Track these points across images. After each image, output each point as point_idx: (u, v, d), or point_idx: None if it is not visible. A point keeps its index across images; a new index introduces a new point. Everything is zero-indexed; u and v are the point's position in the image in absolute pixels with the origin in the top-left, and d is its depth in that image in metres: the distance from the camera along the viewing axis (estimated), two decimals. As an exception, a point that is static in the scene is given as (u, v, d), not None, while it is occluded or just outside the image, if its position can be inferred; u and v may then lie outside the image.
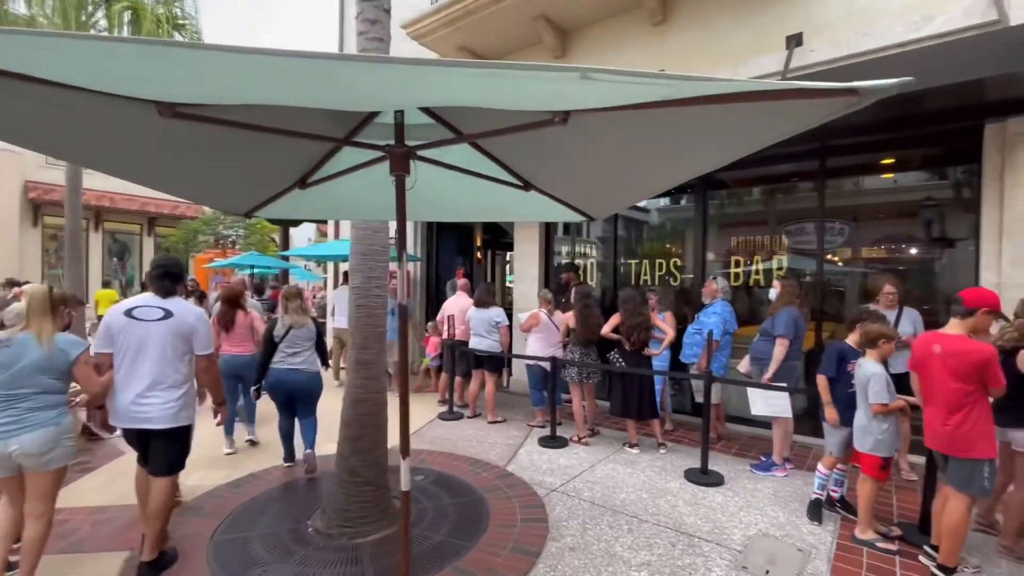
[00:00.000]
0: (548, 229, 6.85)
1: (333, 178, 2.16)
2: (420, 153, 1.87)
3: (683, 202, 6.09)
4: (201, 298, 4.27)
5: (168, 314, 2.68)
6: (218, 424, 3.30)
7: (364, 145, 1.82)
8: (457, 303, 6.13)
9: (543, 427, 5.29)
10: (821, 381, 3.39)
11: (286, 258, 11.84)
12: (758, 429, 5.12)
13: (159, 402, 2.62)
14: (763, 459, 4.32)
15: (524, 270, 6.89)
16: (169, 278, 2.74)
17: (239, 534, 3.11)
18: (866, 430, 2.98)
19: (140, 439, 2.72)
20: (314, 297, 12.28)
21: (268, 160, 2.06)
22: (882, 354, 2.99)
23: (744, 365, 4.47)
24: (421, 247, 8.37)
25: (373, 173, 2.13)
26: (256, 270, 10.95)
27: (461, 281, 6.53)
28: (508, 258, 10.89)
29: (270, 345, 4.03)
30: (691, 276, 5.73)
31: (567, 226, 6.96)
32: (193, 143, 1.77)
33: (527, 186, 2.30)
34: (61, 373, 2.40)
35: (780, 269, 5.15)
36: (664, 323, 4.81)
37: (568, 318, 4.86)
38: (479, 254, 9.36)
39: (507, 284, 10.49)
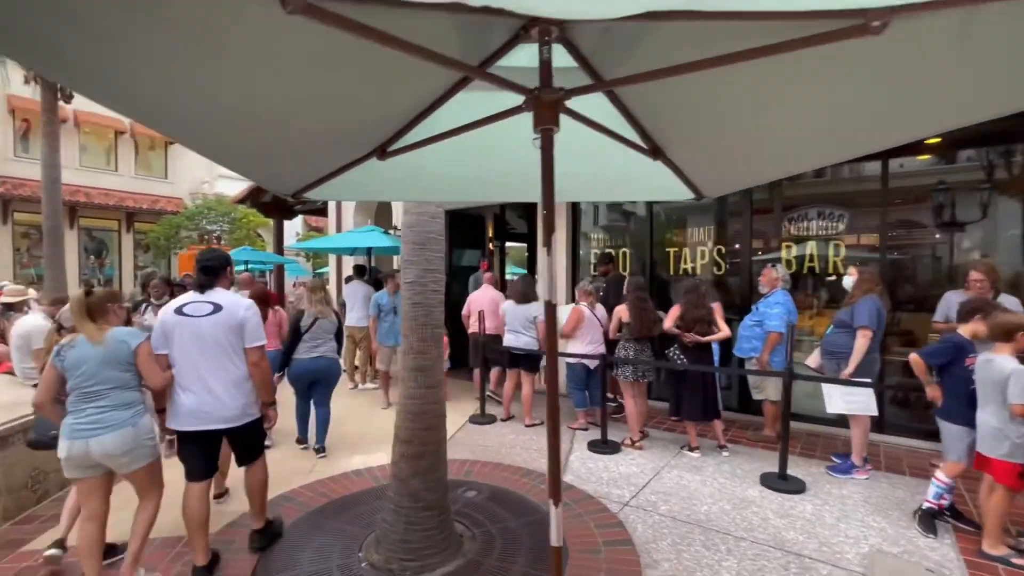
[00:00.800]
0: (575, 215, 6.42)
1: (426, 144, 1.69)
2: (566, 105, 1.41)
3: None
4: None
5: (217, 308, 2.58)
6: (268, 427, 2.92)
7: (503, 83, 1.35)
8: (486, 296, 5.69)
9: (585, 430, 4.91)
10: (917, 362, 3.04)
11: (281, 252, 11.21)
12: (813, 426, 4.81)
13: (225, 400, 2.56)
14: (838, 460, 3.99)
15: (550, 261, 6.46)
16: (204, 271, 2.63)
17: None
18: (1000, 434, 2.64)
19: (204, 441, 2.59)
20: (293, 286, 11.59)
21: (346, 120, 1.59)
22: (1018, 348, 2.64)
23: (814, 359, 4.12)
24: (433, 238, 7.87)
25: (478, 139, 1.68)
26: (250, 266, 10.32)
27: (487, 274, 6.10)
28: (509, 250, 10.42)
29: (296, 336, 4.19)
30: (737, 262, 5.36)
31: (596, 212, 6.54)
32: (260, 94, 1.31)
33: (655, 152, 1.86)
34: (128, 365, 2.40)
35: (839, 255, 4.81)
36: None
37: (621, 312, 4.46)
38: (491, 245, 8.90)
39: (506, 277, 10.03)
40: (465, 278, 7.59)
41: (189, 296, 2.64)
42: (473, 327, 5.58)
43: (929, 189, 4.59)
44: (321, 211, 12.12)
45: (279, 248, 11.22)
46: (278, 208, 11.09)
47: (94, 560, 2.37)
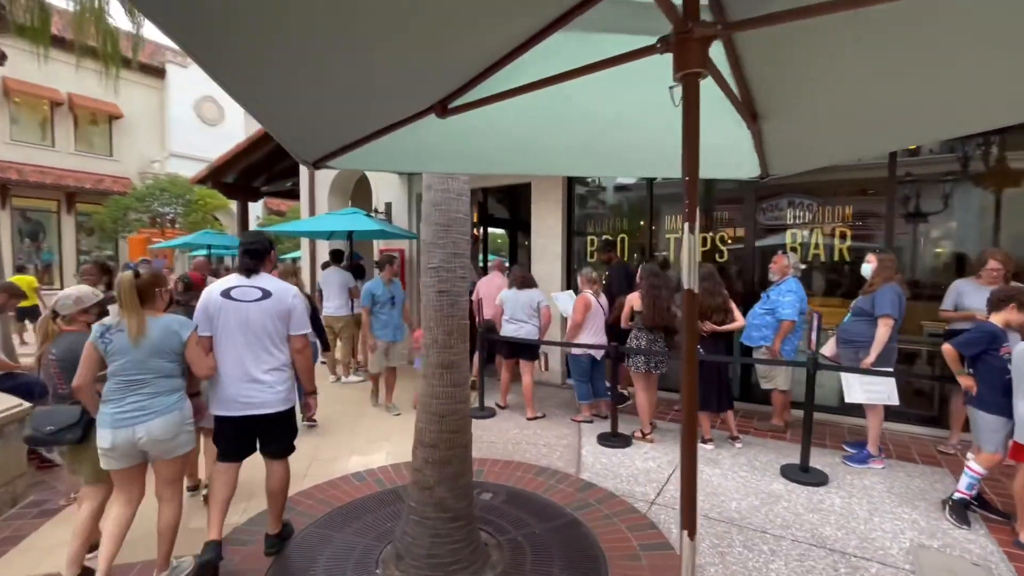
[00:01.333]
0: (570, 198, 6.17)
1: (503, 98, 1.39)
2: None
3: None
4: (189, 287, 3.43)
5: (266, 294, 2.55)
6: (309, 417, 3.08)
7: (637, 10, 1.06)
8: (493, 283, 5.40)
9: (590, 422, 4.73)
10: (951, 352, 3.00)
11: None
12: (818, 414, 4.77)
13: (267, 386, 2.53)
14: (851, 450, 3.96)
15: (545, 247, 6.21)
16: (248, 255, 2.58)
17: (292, 599, 2.33)
18: (1042, 423, 2.59)
19: (243, 428, 2.55)
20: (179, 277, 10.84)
21: (401, 64, 1.26)
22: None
23: (830, 348, 4.06)
24: (417, 221, 7.47)
25: (559, 98, 1.39)
26: (213, 251, 9.61)
27: (495, 260, 5.84)
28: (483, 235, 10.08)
29: None
30: (741, 248, 5.27)
31: (589, 194, 6.32)
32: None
33: (753, 118, 1.62)
34: (176, 355, 2.34)
35: (845, 243, 4.77)
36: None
37: (633, 300, 4.26)
38: (476, 231, 8.56)
39: (488, 264, 9.73)
40: None
41: (235, 279, 2.57)
42: (487, 314, 5.26)
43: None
44: (288, 193, 11.43)
45: (243, 231, 10.49)
46: (243, 190, 10.36)
47: (116, 545, 2.26)
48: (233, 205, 18.76)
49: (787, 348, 4.30)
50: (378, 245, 7.69)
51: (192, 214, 16.66)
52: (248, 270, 2.57)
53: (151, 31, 22.61)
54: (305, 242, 8.59)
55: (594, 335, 4.61)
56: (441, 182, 2.49)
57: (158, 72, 19.45)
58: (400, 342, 5.08)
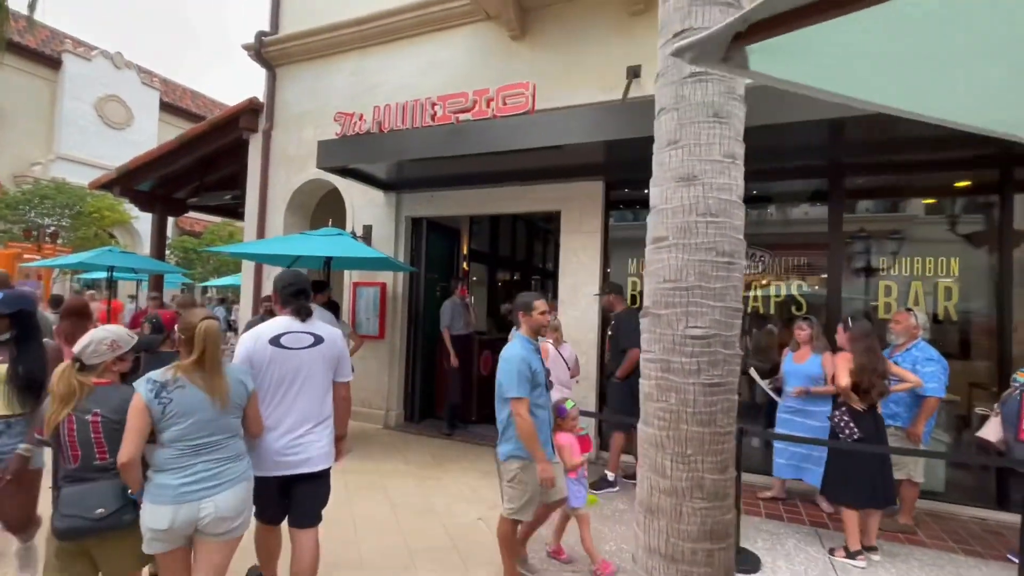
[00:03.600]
0: (607, 225, 5.16)
1: None
2: None
3: (808, 200, 4.87)
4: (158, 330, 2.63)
5: (318, 340, 2.36)
6: (338, 460, 2.45)
7: None
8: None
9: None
10: None
11: (162, 256, 8.40)
12: (948, 505, 3.96)
13: (316, 440, 2.31)
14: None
15: (576, 289, 5.10)
16: (305, 296, 2.42)
17: None
18: None
19: (283, 489, 2.30)
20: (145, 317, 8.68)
21: None
22: None
23: (993, 430, 3.26)
24: (404, 250, 6.08)
25: None
26: (116, 275, 7.47)
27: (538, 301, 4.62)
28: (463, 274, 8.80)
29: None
30: (823, 297, 4.48)
31: (626, 223, 5.37)
32: None
33: None
34: (241, 409, 2.06)
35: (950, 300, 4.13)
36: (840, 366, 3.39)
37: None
38: (465, 265, 7.29)
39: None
40: (437, 303, 5.96)
41: (282, 324, 2.35)
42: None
43: None
44: (225, 209, 9.52)
45: (160, 252, 8.41)
46: (163, 201, 8.35)
47: None
48: (139, 220, 15.98)
49: (927, 430, 3.54)
50: (350, 278, 6.17)
51: (82, 228, 13.78)
52: (309, 313, 2.41)
53: (50, 13, 19.51)
54: (248, 268, 6.83)
55: (556, 389, 3.55)
56: (719, 171, 1.33)
57: (51, 62, 16.52)
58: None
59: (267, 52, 6.72)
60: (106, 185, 7.88)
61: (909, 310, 3.66)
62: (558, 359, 4.06)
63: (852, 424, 3.08)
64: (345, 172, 5.39)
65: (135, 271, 7.73)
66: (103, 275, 7.75)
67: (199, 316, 2.00)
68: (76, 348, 1.97)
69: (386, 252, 5.88)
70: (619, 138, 4.04)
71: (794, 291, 4.58)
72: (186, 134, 7.18)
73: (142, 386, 1.87)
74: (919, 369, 3.43)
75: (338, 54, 6.43)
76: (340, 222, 6.18)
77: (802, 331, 3.92)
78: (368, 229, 6.06)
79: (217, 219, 17.73)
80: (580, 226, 5.12)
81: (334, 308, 5.06)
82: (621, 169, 5.00)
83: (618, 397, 4.24)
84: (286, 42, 6.61)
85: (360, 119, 4.85)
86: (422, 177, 5.58)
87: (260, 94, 6.95)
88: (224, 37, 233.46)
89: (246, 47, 6.83)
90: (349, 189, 6.18)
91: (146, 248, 16.75)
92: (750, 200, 1.59)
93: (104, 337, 1.99)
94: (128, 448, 1.81)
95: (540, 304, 2.73)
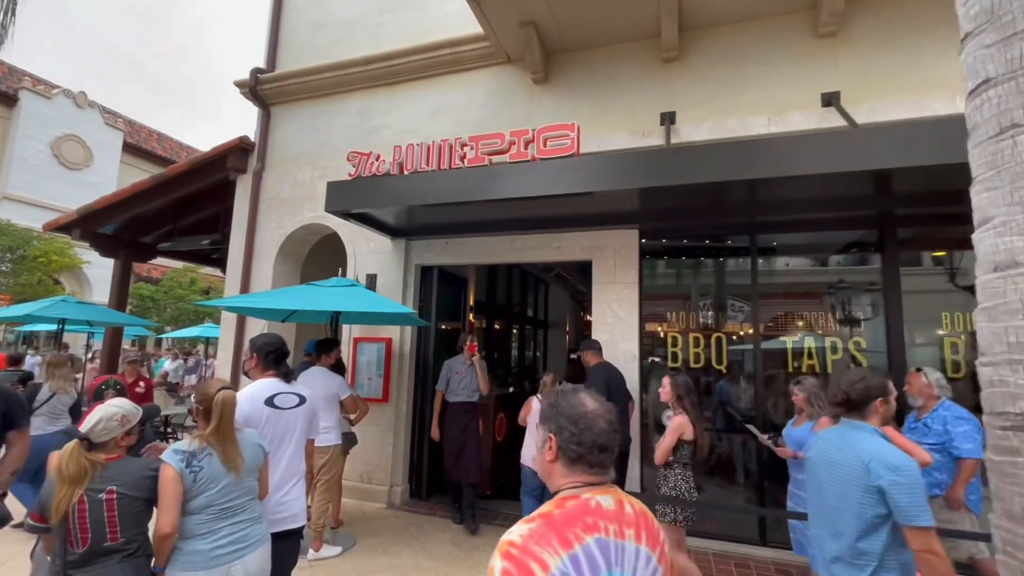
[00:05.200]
0: (642, 276, 4.78)
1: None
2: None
3: (859, 251, 4.66)
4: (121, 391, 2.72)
5: (302, 400, 2.58)
6: None
7: None
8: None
9: None
10: None
11: (123, 306, 7.47)
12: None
13: (297, 496, 2.48)
14: None
15: (612, 345, 4.64)
16: (285, 358, 2.61)
17: None
18: None
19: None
20: (104, 381, 7.41)
21: None
22: None
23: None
24: (413, 301, 5.52)
25: None
26: (68, 328, 6.51)
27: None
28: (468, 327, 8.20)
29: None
30: (879, 354, 4.17)
31: (650, 275, 5.01)
32: None
33: None
34: (258, 471, 2.14)
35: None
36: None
37: (681, 426, 3.07)
38: (472, 317, 6.74)
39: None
40: (450, 348, 5.35)
41: (273, 386, 2.51)
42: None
43: None
44: (198, 255, 8.72)
45: (121, 301, 7.49)
46: (129, 245, 7.53)
47: None
48: (91, 265, 14.71)
49: (972, 496, 3.18)
50: (350, 332, 5.52)
51: (25, 274, 12.50)
52: (289, 375, 2.59)
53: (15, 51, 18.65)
54: (230, 319, 6.06)
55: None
56: None
57: (7, 99, 15.57)
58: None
59: (263, 89, 6.28)
60: (64, 227, 7.03)
61: (919, 370, 3.40)
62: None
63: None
64: (352, 216, 4.86)
65: (91, 323, 6.78)
66: (47, 327, 6.76)
67: (215, 387, 2.04)
68: (84, 427, 1.95)
69: (394, 297, 5.31)
70: (666, 184, 3.71)
71: (850, 347, 4.26)
72: (165, 173, 6.53)
73: (172, 457, 1.92)
74: (951, 430, 3.13)
75: (342, 93, 6.05)
76: (332, 270, 5.57)
77: (796, 396, 3.56)
78: (372, 279, 5.49)
79: (179, 264, 16.63)
80: (615, 277, 4.73)
81: (340, 369, 4.41)
82: (656, 217, 4.71)
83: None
84: (284, 79, 6.19)
85: (378, 159, 4.39)
86: (438, 223, 5.13)
87: (220, 138, 6.45)
88: (187, 81, 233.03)
89: (239, 83, 6.37)
90: (352, 235, 5.64)
91: (97, 296, 15.44)
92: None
93: (114, 413, 1.98)
94: (169, 517, 1.85)
95: (891, 388, 2.05)
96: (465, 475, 4.54)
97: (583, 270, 11.82)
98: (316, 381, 3.78)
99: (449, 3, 5.57)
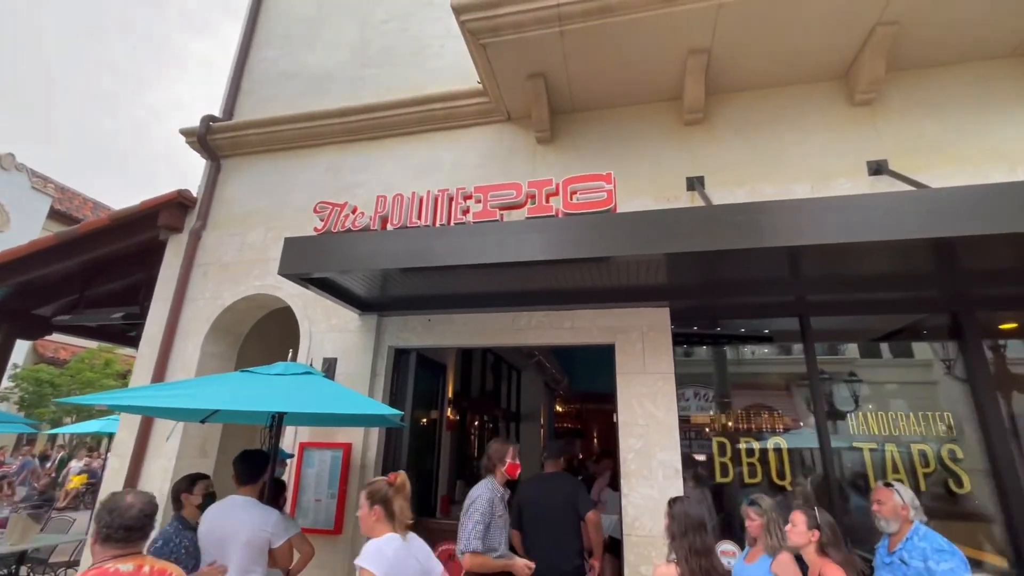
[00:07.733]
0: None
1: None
2: None
3: (932, 336, 3.96)
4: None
5: None
6: None
7: None
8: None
9: None
10: None
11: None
12: None
13: None
14: None
15: (649, 452, 3.60)
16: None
17: None
18: None
19: None
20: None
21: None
22: None
23: None
24: (384, 392, 4.32)
25: None
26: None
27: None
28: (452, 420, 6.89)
29: None
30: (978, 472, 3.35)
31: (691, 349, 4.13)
32: None
33: None
34: None
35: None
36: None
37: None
38: (450, 411, 5.54)
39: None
40: (426, 452, 4.11)
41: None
42: None
43: None
44: (108, 332, 7.19)
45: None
46: (18, 317, 6.02)
47: None
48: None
49: None
50: (295, 436, 4.20)
51: None
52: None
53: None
54: (132, 422, 4.59)
55: None
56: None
57: (-85, 154, 13.94)
58: None
59: (215, 139, 5.38)
60: (-72, 293, 5.51)
61: (889, 485, 2.65)
62: None
63: None
64: (313, 282, 3.79)
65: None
66: None
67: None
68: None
69: (363, 388, 4.12)
70: (712, 250, 2.92)
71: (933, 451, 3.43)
72: (76, 229, 5.31)
73: None
74: (932, 568, 2.34)
75: (310, 147, 5.25)
76: (280, 353, 4.33)
77: (751, 521, 2.78)
78: (332, 363, 4.31)
79: (93, 343, 14.47)
80: (644, 365, 3.81)
81: (279, 489, 3.11)
82: (687, 293, 3.93)
83: None
84: (242, 129, 5.34)
85: (354, 212, 3.47)
86: (421, 294, 4.13)
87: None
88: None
89: (186, 132, 5.46)
90: (309, 308, 4.54)
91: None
92: None
93: None
94: None
95: None
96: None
97: (563, 355, 10.96)
98: (236, 516, 2.50)
99: (444, 57, 5.07)
